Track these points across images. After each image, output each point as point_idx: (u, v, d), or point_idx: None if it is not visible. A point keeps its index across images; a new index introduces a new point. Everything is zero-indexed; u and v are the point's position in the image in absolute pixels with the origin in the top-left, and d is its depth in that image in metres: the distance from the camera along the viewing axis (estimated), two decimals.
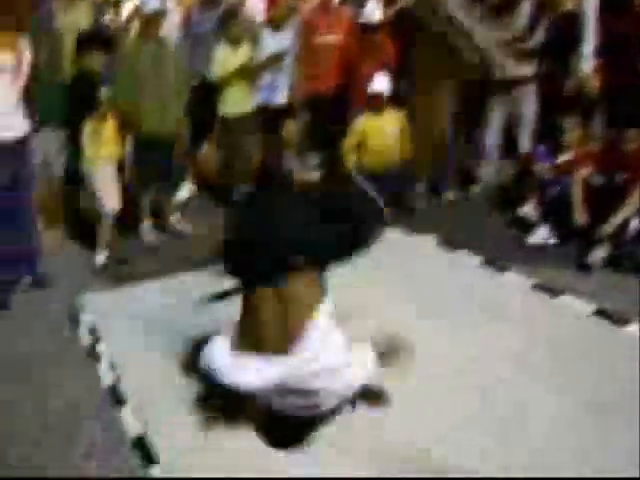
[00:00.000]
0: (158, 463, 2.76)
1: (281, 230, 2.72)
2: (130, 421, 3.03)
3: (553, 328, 3.69)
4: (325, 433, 2.86)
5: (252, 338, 2.67)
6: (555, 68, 5.40)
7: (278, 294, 2.64)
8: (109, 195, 4.71)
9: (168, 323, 3.76)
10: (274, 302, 2.65)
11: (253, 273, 2.71)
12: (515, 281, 4.32)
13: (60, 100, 4.90)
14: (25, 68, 4.12)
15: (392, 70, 5.65)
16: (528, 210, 5.16)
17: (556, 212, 4.85)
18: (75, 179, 5.13)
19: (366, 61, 5.67)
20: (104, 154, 4.65)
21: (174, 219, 5.40)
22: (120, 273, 4.62)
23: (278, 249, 2.67)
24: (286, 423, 2.83)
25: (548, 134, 5.26)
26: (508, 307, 3.95)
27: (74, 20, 5.40)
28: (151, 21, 5.03)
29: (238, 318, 2.78)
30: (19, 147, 4.14)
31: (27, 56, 4.13)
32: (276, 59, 5.73)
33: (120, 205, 4.79)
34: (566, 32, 5.25)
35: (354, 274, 3.99)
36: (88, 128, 4.64)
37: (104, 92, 4.62)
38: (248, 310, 2.74)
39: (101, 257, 4.76)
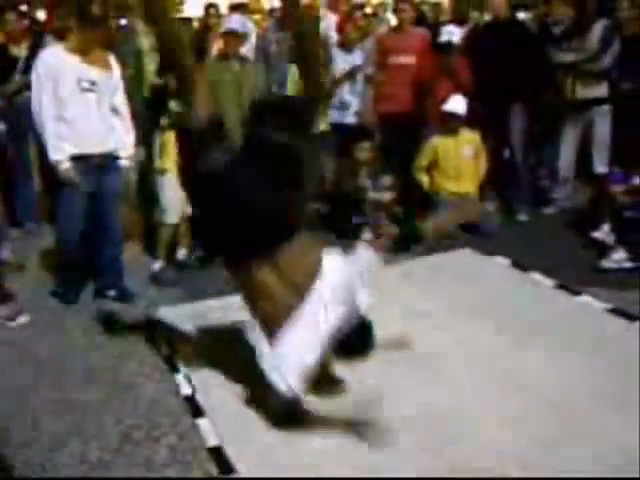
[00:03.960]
0: (235, 472, 2.82)
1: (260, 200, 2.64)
2: (207, 431, 3.08)
3: (628, 353, 3.60)
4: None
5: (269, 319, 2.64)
6: (634, 89, 5.33)
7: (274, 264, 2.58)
8: (170, 206, 4.83)
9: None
10: (272, 273, 2.58)
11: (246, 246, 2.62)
12: (589, 305, 4.25)
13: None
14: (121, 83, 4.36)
15: (468, 91, 5.66)
16: (603, 233, 5.08)
17: (632, 235, 4.77)
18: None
19: (441, 82, 5.70)
20: (167, 165, 4.79)
21: None
22: (176, 280, 4.79)
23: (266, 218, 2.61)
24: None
25: (625, 156, 5.18)
26: (582, 331, 3.89)
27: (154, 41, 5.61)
28: (231, 40, 5.17)
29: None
30: (107, 162, 4.32)
31: (118, 72, 4.35)
32: (349, 76, 5.80)
33: (178, 219, 4.89)
34: None
35: (423, 293, 4.30)
36: (158, 140, 4.85)
37: (173, 106, 4.73)
38: (252, 292, 2.68)
39: (157, 265, 4.90)
